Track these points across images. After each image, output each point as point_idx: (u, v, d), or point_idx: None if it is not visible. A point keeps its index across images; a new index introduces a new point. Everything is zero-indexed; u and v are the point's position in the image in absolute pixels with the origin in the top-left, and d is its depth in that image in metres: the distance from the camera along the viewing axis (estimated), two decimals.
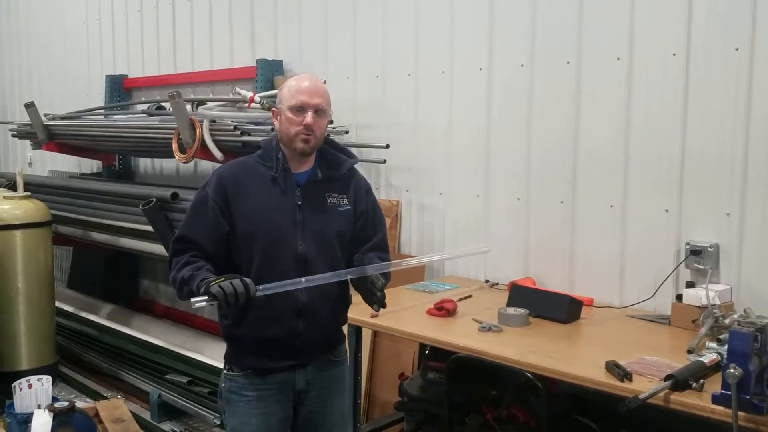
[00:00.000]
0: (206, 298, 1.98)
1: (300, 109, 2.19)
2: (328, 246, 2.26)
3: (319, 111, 2.22)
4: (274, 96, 3.96)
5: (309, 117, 2.18)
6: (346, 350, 2.48)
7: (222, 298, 1.97)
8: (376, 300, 2.17)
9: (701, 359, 2.23)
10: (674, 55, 2.99)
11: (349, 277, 2.21)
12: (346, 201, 2.31)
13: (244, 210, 2.21)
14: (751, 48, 2.79)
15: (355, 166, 2.42)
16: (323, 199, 2.28)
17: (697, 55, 2.94)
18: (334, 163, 2.34)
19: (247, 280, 2.02)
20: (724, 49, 2.86)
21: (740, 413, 1.89)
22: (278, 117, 2.27)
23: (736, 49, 2.83)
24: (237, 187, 2.22)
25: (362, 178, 2.43)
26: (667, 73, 3.01)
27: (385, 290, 2.19)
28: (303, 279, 2.11)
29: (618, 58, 3.16)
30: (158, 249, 4.39)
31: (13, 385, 3.48)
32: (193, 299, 2.00)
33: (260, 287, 2.04)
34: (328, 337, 2.35)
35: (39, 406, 3.36)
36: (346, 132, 4.14)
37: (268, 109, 3.90)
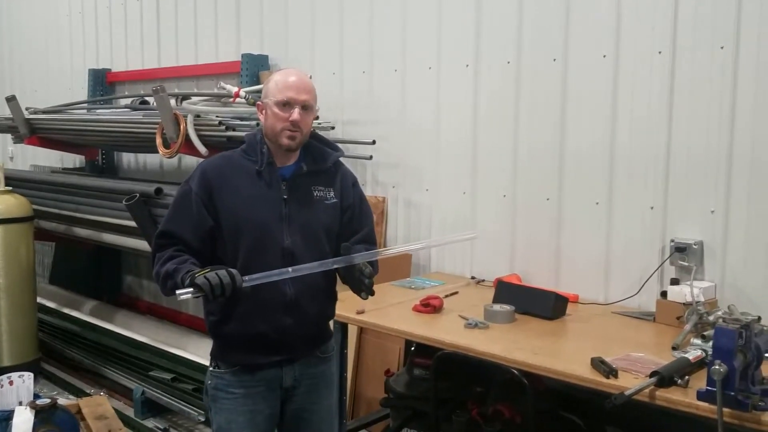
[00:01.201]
0: (191, 290, 1.95)
1: (287, 104, 2.17)
2: (316, 240, 2.24)
3: (307, 107, 2.20)
4: (259, 91, 3.92)
5: (296, 113, 2.16)
6: (334, 347, 2.46)
7: (208, 290, 1.94)
8: (364, 288, 2.16)
9: (686, 356, 2.24)
10: (660, 52, 3.00)
11: (336, 266, 2.19)
12: (332, 194, 2.30)
13: (229, 204, 2.18)
14: (736, 46, 2.81)
15: (342, 160, 2.41)
16: (309, 193, 2.26)
17: (682, 53, 2.95)
18: (320, 156, 2.32)
19: (233, 271, 1.99)
20: (710, 48, 2.87)
21: (725, 409, 1.90)
22: (264, 111, 2.24)
23: (722, 48, 2.84)
24: (221, 181, 2.20)
25: (348, 171, 2.42)
26: (653, 71, 3.03)
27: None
28: (290, 269, 2.09)
29: (604, 56, 3.17)
30: (142, 245, 4.35)
31: None
32: (178, 291, 1.96)
33: (246, 278, 2.01)
34: (315, 333, 2.34)
35: (20, 403, 3.32)
36: (332, 128, 4.13)
37: (254, 104, 3.87)
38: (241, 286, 1.99)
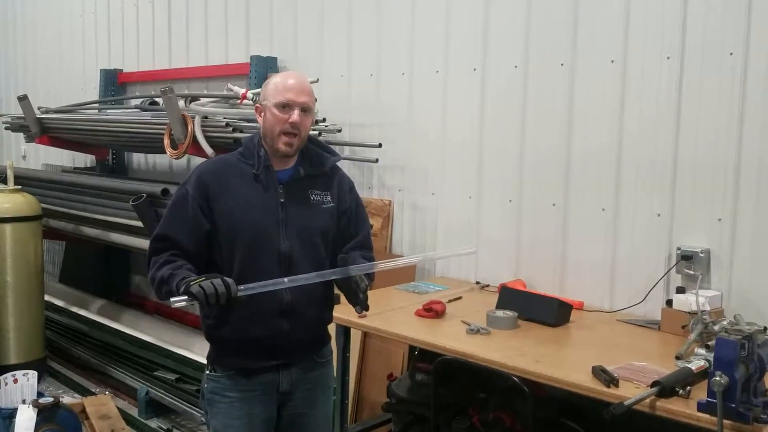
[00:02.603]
0: (186, 297, 1.94)
1: (286, 106, 2.16)
2: (312, 244, 2.23)
3: (306, 109, 2.19)
4: None
5: (295, 115, 2.15)
6: (332, 351, 2.45)
7: (202, 298, 1.92)
8: (359, 302, 2.15)
9: (689, 366, 2.21)
10: (668, 58, 2.97)
11: (332, 277, 2.18)
12: (329, 198, 2.28)
13: (226, 207, 2.17)
14: (745, 53, 2.77)
15: (344, 164, 2.40)
16: (306, 197, 2.25)
17: (691, 59, 2.92)
18: (317, 160, 2.30)
19: (229, 280, 1.98)
20: (719, 54, 2.84)
21: (726, 421, 1.87)
22: (262, 113, 2.23)
23: (731, 54, 2.81)
24: (218, 184, 2.19)
25: (345, 175, 2.40)
26: (661, 77, 2.99)
27: (375, 290, 2.19)
28: (285, 279, 2.08)
29: (612, 61, 3.14)
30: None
31: None
32: (172, 299, 1.96)
33: (242, 287, 2.00)
34: (312, 338, 2.32)
35: (24, 402, 3.34)
36: (339, 130, 4.11)
37: None
38: (236, 295, 1.98)
